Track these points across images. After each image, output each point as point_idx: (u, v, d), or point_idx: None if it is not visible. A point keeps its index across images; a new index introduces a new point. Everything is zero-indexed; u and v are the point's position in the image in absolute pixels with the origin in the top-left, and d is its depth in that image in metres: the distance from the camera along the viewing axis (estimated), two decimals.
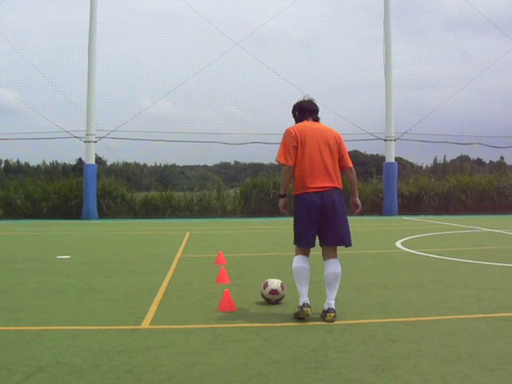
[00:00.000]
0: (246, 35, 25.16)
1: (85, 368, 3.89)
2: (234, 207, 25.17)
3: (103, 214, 23.39)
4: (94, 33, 23.25)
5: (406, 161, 39.13)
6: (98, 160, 27.07)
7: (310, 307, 5.23)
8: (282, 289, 5.99)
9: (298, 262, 5.37)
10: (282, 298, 6.02)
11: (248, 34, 25.34)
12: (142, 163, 51.10)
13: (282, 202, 5.62)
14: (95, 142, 23.50)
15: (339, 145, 5.45)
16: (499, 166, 34.45)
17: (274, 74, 24.93)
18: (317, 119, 5.62)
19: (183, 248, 11.53)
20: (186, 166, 56.09)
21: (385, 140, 24.86)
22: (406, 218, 22.47)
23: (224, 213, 24.72)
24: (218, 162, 52.91)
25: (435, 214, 24.44)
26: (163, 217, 23.73)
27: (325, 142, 5.38)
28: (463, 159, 43.33)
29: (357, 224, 18.93)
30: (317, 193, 5.29)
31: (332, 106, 25.36)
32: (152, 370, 3.85)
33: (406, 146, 26.27)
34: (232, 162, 58.75)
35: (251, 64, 24.95)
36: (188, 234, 14.62)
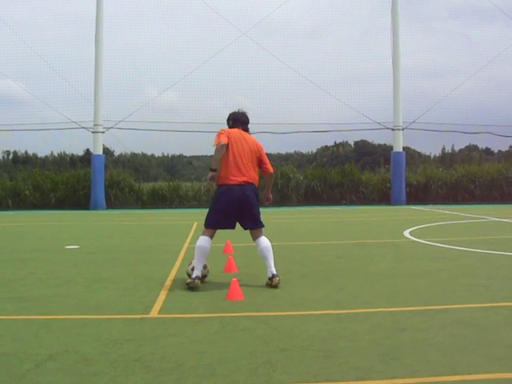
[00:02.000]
0: (252, 25, 25.09)
1: (94, 356, 3.91)
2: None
3: (111, 204, 23.45)
4: (100, 23, 23.21)
5: (414, 150, 38.98)
6: (106, 150, 27.09)
7: (199, 279, 6.20)
8: (205, 268, 6.59)
9: (204, 241, 6.34)
10: (206, 276, 6.65)
11: (255, 23, 25.27)
12: (149, 153, 51.12)
13: (211, 174, 6.31)
14: (103, 132, 23.53)
15: (259, 152, 6.52)
16: (508, 155, 34.31)
17: (281, 63, 24.88)
18: (246, 130, 6.67)
19: (191, 238, 11.54)
20: (194, 156, 55.99)
21: (393, 129, 24.75)
22: (413, 207, 22.42)
23: None
24: None
25: (443, 203, 24.37)
26: (171, 207, 23.77)
27: (248, 147, 6.41)
28: (471, 148, 43.17)
29: (364, 214, 18.91)
30: (241, 185, 6.29)
31: (339, 96, 25.36)
32: (160, 358, 3.87)
33: (414, 136, 26.15)
34: None
35: (258, 54, 24.90)
36: (196, 224, 14.63)
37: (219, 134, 6.40)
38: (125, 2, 25.84)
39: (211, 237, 6.43)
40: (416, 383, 3.42)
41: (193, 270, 6.40)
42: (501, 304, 5.44)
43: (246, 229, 6.60)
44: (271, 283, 6.28)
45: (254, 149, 6.45)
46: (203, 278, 6.54)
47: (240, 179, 6.28)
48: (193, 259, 6.56)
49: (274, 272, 6.31)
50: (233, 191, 6.27)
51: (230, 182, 6.28)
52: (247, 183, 6.34)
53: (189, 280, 6.22)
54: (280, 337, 4.38)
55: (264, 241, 6.46)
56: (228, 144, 6.30)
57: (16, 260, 8.66)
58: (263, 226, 6.62)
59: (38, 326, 4.74)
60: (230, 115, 6.72)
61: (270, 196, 6.97)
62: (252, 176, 6.39)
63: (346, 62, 27.00)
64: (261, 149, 6.55)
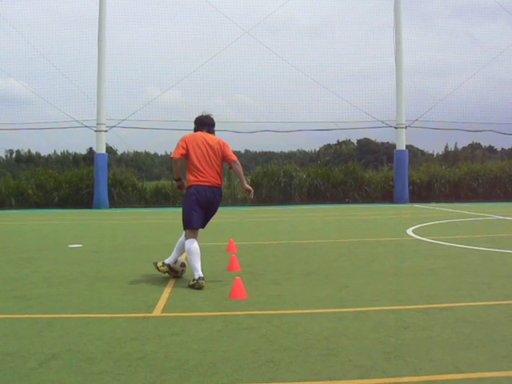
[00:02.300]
0: (255, 23, 25.06)
1: (97, 355, 3.91)
2: (245, 196, 25.15)
3: (114, 203, 23.47)
4: (103, 22, 23.22)
5: (417, 148, 38.93)
6: (109, 149, 27.09)
7: (204, 280, 6.32)
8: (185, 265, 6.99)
9: (191, 242, 6.57)
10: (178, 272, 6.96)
11: (257, 22, 25.24)
12: (152, 152, 51.13)
13: (176, 184, 7.01)
14: (106, 131, 23.55)
15: (222, 148, 6.72)
16: (511, 153, 34.20)
17: (283, 61, 24.84)
18: (211, 131, 6.94)
19: None
20: None
21: (395, 127, 24.72)
22: (416, 205, 22.39)
23: (235, 201, 24.73)
24: None
25: (446, 201, 24.33)
26: (174, 205, 23.75)
27: (210, 148, 6.68)
28: (475, 146, 43.10)
29: (368, 212, 18.90)
30: (207, 186, 6.62)
31: (342, 94, 25.32)
32: (164, 357, 3.87)
33: (417, 134, 26.13)
34: (242, 151, 58.61)
35: (261, 52, 24.86)
36: None
37: (178, 144, 6.76)
38: (127, 0, 25.87)
39: (196, 236, 6.68)
40: (419, 381, 3.42)
41: (181, 265, 6.92)
42: (504, 302, 5.43)
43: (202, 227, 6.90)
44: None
45: (216, 147, 6.71)
46: (179, 272, 6.94)
47: (207, 180, 6.62)
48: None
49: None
50: (200, 192, 6.60)
51: (197, 183, 6.63)
52: (213, 185, 6.68)
53: (192, 282, 6.36)
54: (283, 335, 4.38)
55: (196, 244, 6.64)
56: (188, 150, 6.66)
57: (19, 259, 8.67)
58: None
59: (42, 325, 4.75)
60: (196, 119, 7.01)
61: (248, 186, 6.87)
62: (215, 177, 6.69)
63: (348, 60, 27.00)
64: (223, 145, 6.77)
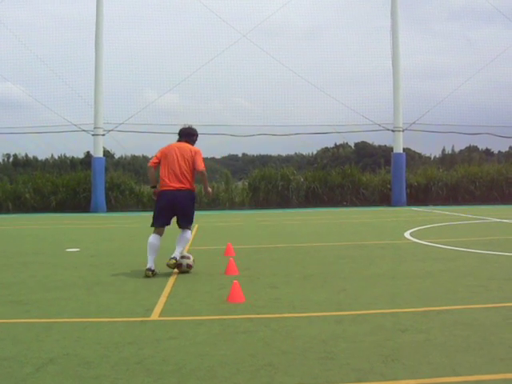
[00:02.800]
0: (252, 27, 25.11)
1: (94, 360, 3.91)
2: (242, 199, 25.18)
3: (111, 207, 23.46)
4: (100, 26, 23.25)
5: (414, 151, 38.97)
6: (106, 153, 27.11)
7: (151, 271, 7.32)
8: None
9: (153, 238, 7.59)
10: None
11: (255, 25, 25.30)
12: (149, 156, 50.87)
13: (151, 191, 7.96)
14: (103, 135, 23.55)
15: (193, 157, 7.56)
16: (508, 156, 34.30)
17: (281, 65, 24.88)
18: (189, 141, 7.82)
19: (192, 240, 11.55)
20: None
21: (393, 131, 24.76)
22: (414, 208, 22.41)
23: (232, 205, 24.73)
24: (226, 154, 52.70)
25: (444, 204, 24.36)
26: None
27: (181, 155, 7.55)
28: (472, 149, 43.17)
29: (365, 215, 18.91)
30: (171, 191, 7.48)
31: (340, 97, 25.38)
32: (161, 361, 3.86)
33: (414, 137, 26.14)
34: (240, 154, 58.69)
35: (258, 56, 24.92)
36: (196, 226, 14.64)
37: (157, 152, 7.78)
38: (125, 4, 25.94)
39: (160, 234, 7.67)
40: None
41: (188, 266, 7.59)
42: (501, 304, 5.43)
43: (179, 227, 7.76)
44: (167, 262, 7.50)
45: (187, 156, 7.57)
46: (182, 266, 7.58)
47: (172, 185, 7.48)
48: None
49: (176, 256, 7.53)
50: (166, 195, 7.52)
51: (164, 188, 7.54)
52: (179, 188, 7.49)
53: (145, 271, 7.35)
54: (281, 339, 4.37)
55: (187, 232, 7.72)
56: (161, 157, 7.64)
57: (16, 263, 8.66)
58: (189, 228, 7.81)
59: (39, 330, 4.74)
60: (178, 131, 7.97)
61: (208, 189, 8.03)
62: (185, 182, 7.54)
63: (345, 64, 27.07)
64: (195, 153, 7.62)
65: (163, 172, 7.55)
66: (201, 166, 7.57)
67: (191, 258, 7.65)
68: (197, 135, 8.04)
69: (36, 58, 23.49)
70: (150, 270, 7.32)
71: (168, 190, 7.49)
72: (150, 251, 7.49)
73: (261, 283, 6.71)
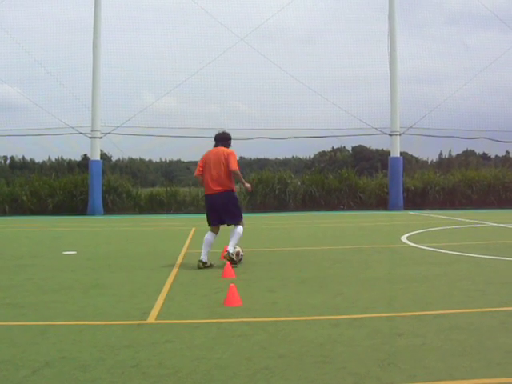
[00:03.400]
0: (250, 30, 25.07)
1: (91, 363, 3.90)
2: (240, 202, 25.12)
3: (109, 209, 23.41)
4: (98, 29, 23.22)
5: (412, 155, 38.95)
6: (104, 156, 27.05)
7: (203, 263, 8.14)
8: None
9: (207, 235, 8.44)
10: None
11: (252, 29, 25.26)
12: (147, 159, 50.86)
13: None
14: (100, 137, 23.51)
15: (226, 158, 8.29)
16: (505, 161, 34.28)
17: (278, 69, 24.87)
18: (225, 145, 8.57)
19: (189, 243, 11.55)
20: (192, 162, 55.75)
21: (390, 135, 24.78)
22: (411, 212, 22.43)
23: None
24: None
25: (441, 208, 24.37)
26: (169, 212, 23.72)
27: (218, 160, 8.32)
28: (469, 154, 43.17)
29: (362, 219, 18.92)
30: (212, 194, 8.36)
31: (337, 101, 25.36)
32: (158, 364, 3.86)
33: (411, 141, 26.20)
34: (237, 158, 58.64)
35: (255, 59, 24.89)
36: (193, 229, 14.63)
37: (198, 163, 8.60)
38: (122, 7, 25.85)
39: (214, 232, 8.50)
40: None
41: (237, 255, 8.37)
42: (498, 309, 5.44)
43: (228, 224, 8.55)
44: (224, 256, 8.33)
45: (222, 159, 8.32)
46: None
47: (214, 188, 8.31)
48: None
49: (230, 250, 8.25)
50: (209, 199, 8.45)
51: (207, 192, 8.47)
52: (219, 191, 8.29)
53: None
54: (278, 343, 4.38)
55: (238, 227, 8.41)
56: (203, 164, 8.44)
57: (13, 266, 8.64)
58: (239, 224, 8.46)
59: (35, 333, 4.73)
60: (214, 136, 8.70)
61: (247, 185, 8.80)
62: (224, 184, 8.30)
63: (343, 68, 27.03)
64: (228, 155, 8.34)
65: (206, 178, 8.39)
66: (233, 165, 8.29)
67: (240, 249, 8.50)
68: (231, 139, 8.73)
69: (34, 61, 23.44)
70: (201, 261, 8.13)
71: (210, 194, 8.40)
72: (204, 246, 8.28)
73: (258, 287, 6.71)
